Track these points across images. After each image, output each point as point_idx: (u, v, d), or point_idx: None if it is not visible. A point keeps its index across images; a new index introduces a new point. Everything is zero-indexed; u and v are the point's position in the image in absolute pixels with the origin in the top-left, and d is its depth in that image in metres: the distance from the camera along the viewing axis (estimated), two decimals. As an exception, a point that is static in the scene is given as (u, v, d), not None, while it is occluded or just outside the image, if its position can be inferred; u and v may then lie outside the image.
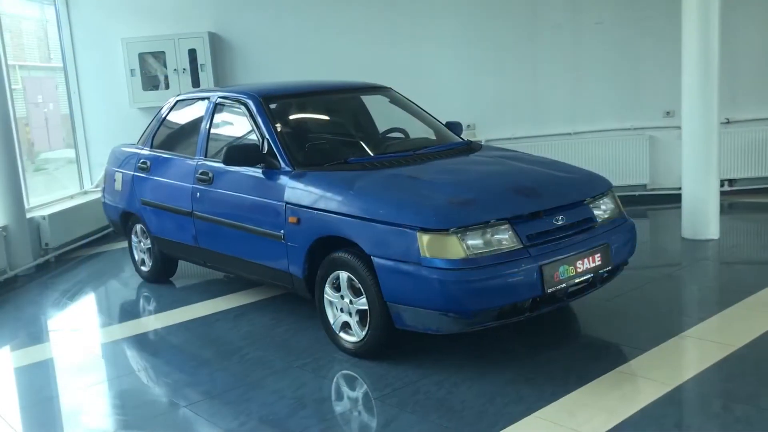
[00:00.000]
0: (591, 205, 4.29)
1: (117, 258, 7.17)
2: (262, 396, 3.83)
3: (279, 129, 4.78)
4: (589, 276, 4.02)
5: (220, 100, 5.31)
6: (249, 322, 4.99)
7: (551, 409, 3.41)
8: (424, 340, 4.19)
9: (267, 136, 4.73)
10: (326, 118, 5.56)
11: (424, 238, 3.70)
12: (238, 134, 5.11)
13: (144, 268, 6.19)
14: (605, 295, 4.89)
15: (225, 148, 4.73)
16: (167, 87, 8.40)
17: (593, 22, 8.25)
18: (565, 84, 8.42)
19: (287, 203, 4.44)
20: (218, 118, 5.32)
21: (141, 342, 4.89)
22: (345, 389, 3.89)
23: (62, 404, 4.02)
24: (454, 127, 5.58)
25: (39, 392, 4.19)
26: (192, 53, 8.32)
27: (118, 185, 6.22)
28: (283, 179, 4.52)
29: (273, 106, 4.98)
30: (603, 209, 4.38)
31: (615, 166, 8.35)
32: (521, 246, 3.83)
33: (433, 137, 5.42)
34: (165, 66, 8.40)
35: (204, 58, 8.32)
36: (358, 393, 3.83)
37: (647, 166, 8.32)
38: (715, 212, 6.33)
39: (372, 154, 4.88)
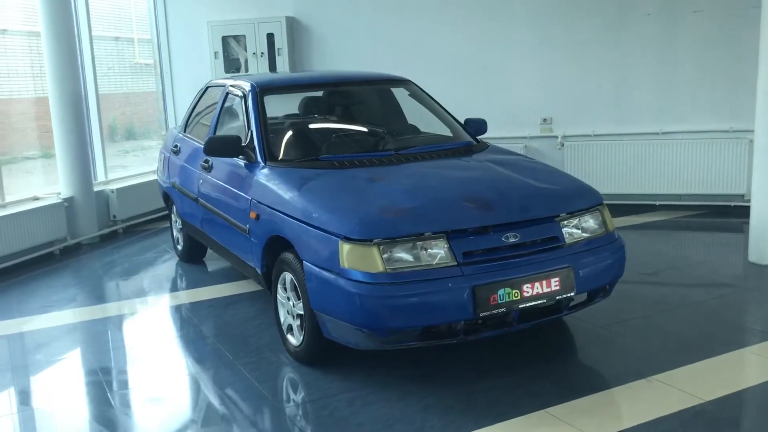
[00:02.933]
0: (564, 222, 3.84)
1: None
2: (184, 392, 3.83)
3: (264, 121, 4.71)
4: (540, 302, 3.62)
5: (230, 87, 5.34)
6: (234, 312, 5.01)
7: (439, 447, 3.12)
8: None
9: (252, 128, 4.69)
10: (325, 111, 5.41)
11: (345, 248, 3.50)
12: (238, 123, 5.11)
13: (179, 247, 6.42)
14: (604, 320, 4.45)
15: (206, 138, 4.75)
16: (247, 70, 8.60)
17: (690, 11, 7.39)
18: (655, 78, 7.64)
19: (252, 198, 4.38)
20: (228, 105, 5.35)
21: (127, 320, 5.08)
22: (260, 395, 3.75)
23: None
24: (477, 124, 5.23)
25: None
26: (270, 37, 8.44)
27: (162, 165, 6.48)
28: (254, 173, 4.46)
29: (269, 97, 4.92)
30: (581, 227, 3.91)
31: (708, 172, 7.53)
32: (455, 263, 3.52)
33: (446, 134, 5.13)
34: (245, 49, 8.59)
35: (281, 42, 8.41)
36: (268, 401, 3.69)
37: (745, 174, 7.36)
38: (788, 235, 5.49)
39: (348, 152, 4.65)
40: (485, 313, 3.47)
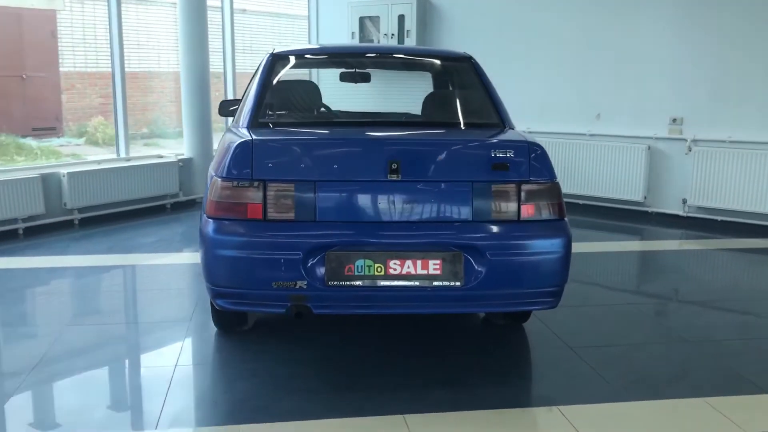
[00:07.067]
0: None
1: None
2: (105, 340, 4.06)
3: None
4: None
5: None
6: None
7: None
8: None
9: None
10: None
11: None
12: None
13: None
14: (583, 341, 4.00)
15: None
16: (378, 51, 8.67)
17: None
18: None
19: None
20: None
21: (134, 270, 5.51)
22: (173, 353, 3.80)
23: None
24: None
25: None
26: (401, 19, 8.44)
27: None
28: None
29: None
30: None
31: None
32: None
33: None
34: (378, 30, 8.68)
35: (411, 24, 8.37)
36: (170, 359, 3.71)
37: None
38: None
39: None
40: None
